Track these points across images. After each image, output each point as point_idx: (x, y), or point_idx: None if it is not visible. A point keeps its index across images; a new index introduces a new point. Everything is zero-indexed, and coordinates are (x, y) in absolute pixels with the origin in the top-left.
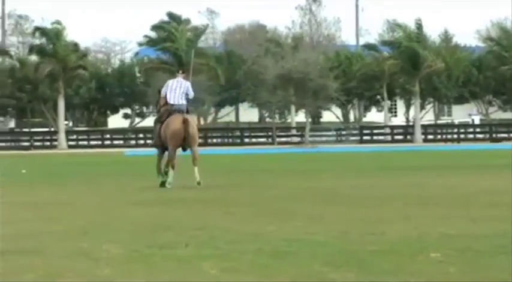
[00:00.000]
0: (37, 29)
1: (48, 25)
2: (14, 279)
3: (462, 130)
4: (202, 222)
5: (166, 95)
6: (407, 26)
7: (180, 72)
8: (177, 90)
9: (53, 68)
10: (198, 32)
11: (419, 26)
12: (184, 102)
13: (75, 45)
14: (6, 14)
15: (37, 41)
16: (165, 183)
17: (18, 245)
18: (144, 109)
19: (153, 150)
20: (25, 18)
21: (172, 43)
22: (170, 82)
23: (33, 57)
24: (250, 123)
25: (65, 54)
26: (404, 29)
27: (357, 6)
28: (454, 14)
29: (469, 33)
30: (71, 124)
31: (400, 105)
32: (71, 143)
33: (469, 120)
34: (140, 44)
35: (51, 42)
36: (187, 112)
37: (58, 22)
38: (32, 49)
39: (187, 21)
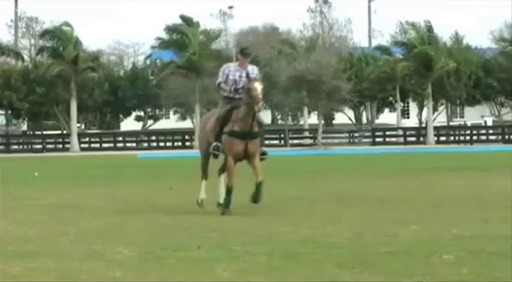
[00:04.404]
0: (46, 32)
1: (57, 27)
2: None
3: (475, 132)
4: (215, 225)
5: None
6: (420, 26)
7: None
8: None
9: (63, 70)
10: (212, 36)
11: (429, 28)
12: None
13: (81, 45)
14: (17, 16)
15: (48, 43)
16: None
17: (32, 247)
18: (157, 111)
19: (165, 153)
20: (35, 21)
21: (186, 47)
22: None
23: (46, 60)
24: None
25: (75, 56)
26: (417, 30)
27: (369, 7)
28: (468, 16)
29: (483, 34)
30: (83, 127)
31: (413, 107)
32: (83, 145)
33: (481, 121)
34: (153, 47)
35: (62, 44)
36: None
37: (67, 23)
38: (41, 50)
39: (198, 23)
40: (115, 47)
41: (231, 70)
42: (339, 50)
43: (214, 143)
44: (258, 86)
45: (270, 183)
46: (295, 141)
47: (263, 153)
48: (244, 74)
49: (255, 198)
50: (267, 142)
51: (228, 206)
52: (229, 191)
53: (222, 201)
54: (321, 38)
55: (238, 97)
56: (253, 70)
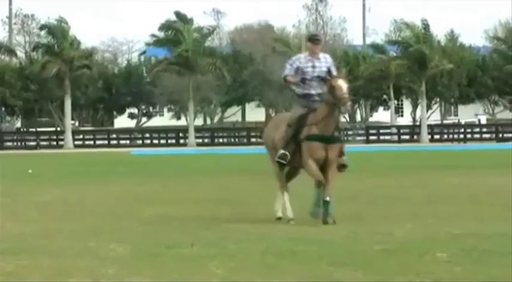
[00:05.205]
0: (43, 26)
1: (53, 23)
2: (22, 279)
3: (468, 130)
4: (210, 222)
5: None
6: (415, 25)
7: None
8: None
9: (59, 68)
10: (206, 33)
11: (425, 27)
12: None
13: (79, 44)
14: (12, 13)
15: (43, 40)
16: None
17: (26, 244)
18: (151, 109)
19: (158, 151)
20: (31, 18)
21: (180, 44)
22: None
23: (40, 57)
24: (256, 123)
25: (69, 53)
26: (412, 29)
27: (363, 6)
28: (463, 14)
29: (478, 33)
30: (77, 124)
31: (407, 105)
32: (77, 142)
33: (475, 120)
34: (148, 44)
35: (57, 40)
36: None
37: (63, 20)
38: (37, 47)
39: (192, 20)
40: (109, 44)
41: (302, 62)
42: (333, 48)
43: (282, 151)
44: (343, 84)
45: (264, 181)
46: None
47: (343, 165)
48: (317, 64)
49: (318, 208)
50: (260, 140)
51: (329, 212)
52: (319, 184)
53: (280, 214)
54: None
55: (315, 93)
56: (325, 59)
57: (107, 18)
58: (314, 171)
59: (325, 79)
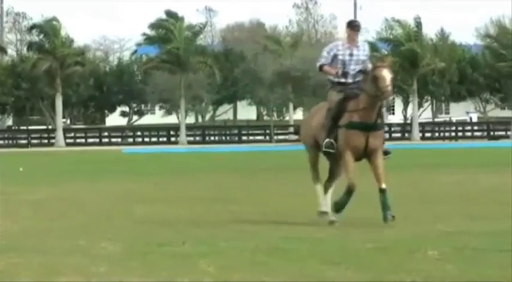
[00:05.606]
0: (34, 26)
1: (45, 22)
2: (12, 278)
3: (460, 128)
4: (201, 220)
5: None
6: (407, 22)
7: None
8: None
9: (50, 65)
10: (197, 30)
11: (418, 24)
12: None
13: (72, 42)
14: (4, 11)
15: (35, 38)
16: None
17: (17, 242)
18: (143, 107)
19: (150, 148)
20: (23, 16)
21: (171, 42)
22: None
23: (33, 55)
24: (248, 121)
25: (62, 51)
26: (404, 27)
27: (355, 4)
28: (454, 13)
29: (470, 31)
30: (68, 122)
31: (398, 103)
32: (68, 140)
33: (466, 118)
34: (138, 44)
35: (49, 39)
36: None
37: (55, 19)
38: (31, 46)
39: (183, 18)
40: (101, 42)
41: (340, 49)
42: (324, 46)
43: (327, 140)
44: (387, 75)
45: (255, 179)
46: (281, 137)
47: (386, 152)
48: (355, 52)
49: (384, 211)
50: (252, 138)
51: (341, 209)
52: (349, 191)
53: (323, 208)
54: (306, 34)
55: (352, 81)
56: (364, 47)
57: (101, 17)
58: (349, 167)
59: (365, 71)
